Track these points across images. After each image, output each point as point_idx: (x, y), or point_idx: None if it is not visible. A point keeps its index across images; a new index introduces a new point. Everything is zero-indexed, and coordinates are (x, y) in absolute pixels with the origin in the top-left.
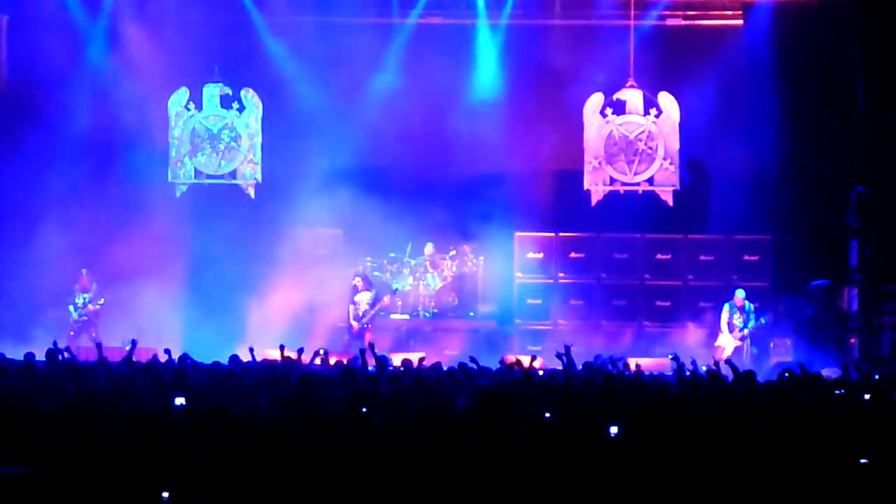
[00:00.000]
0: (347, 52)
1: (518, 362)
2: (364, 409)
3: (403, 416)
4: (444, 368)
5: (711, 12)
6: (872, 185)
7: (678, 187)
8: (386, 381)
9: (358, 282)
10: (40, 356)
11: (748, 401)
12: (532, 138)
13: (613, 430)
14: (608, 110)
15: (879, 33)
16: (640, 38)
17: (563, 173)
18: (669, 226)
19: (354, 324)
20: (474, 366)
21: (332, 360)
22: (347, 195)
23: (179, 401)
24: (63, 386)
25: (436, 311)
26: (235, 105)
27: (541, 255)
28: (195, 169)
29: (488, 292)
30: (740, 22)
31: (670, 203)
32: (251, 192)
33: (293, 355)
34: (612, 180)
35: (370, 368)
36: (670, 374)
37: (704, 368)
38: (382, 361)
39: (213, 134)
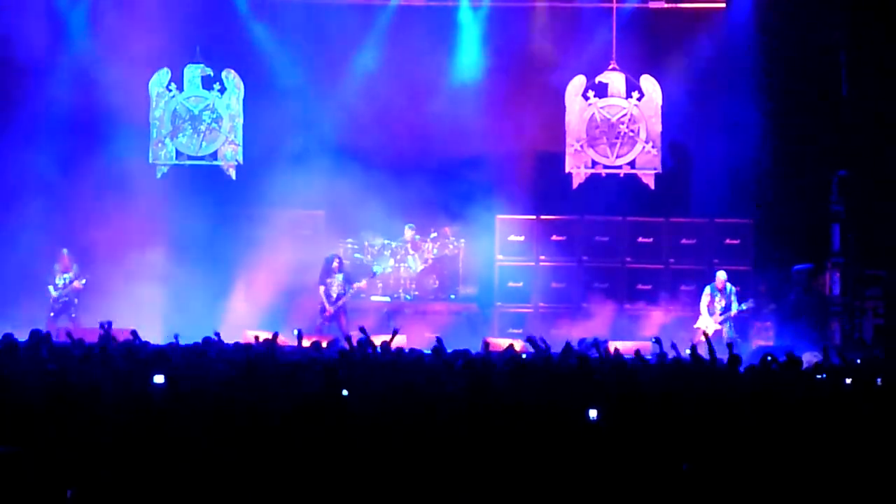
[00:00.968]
0: (329, 33)
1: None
2: (344, 392)
3: (382, 400)
4: (424, 352)
5: None
6: (855, 169)
7: (660, 170)
8: (365, 364)
9: (335, 263)
10: (21, 336)
11: (729, 384)
12: (514, 120)
13: (593, 413)
14: (590, 93)
15: (863, 17)
16: (622, 20)
17: (544, 156)
18: (651, 209)
19: (329, 307)
20: (441, 348)
21: (307, 342)
22: (328, 177)
23: (158, 379)
24: (44, 367)
25: (416, 293)
26: (217, 86)
27: (522, 238)
28: (176, 150)
29: (469, 275)
30: (723, 5)
31: (652, 186)
32: (232, 173)
33: (268, 335)
34: (594, 163)
35: (347, 348)
36: (651, 357)
37: (688, 352)
38: (363, 344)
39: (194, 115)
